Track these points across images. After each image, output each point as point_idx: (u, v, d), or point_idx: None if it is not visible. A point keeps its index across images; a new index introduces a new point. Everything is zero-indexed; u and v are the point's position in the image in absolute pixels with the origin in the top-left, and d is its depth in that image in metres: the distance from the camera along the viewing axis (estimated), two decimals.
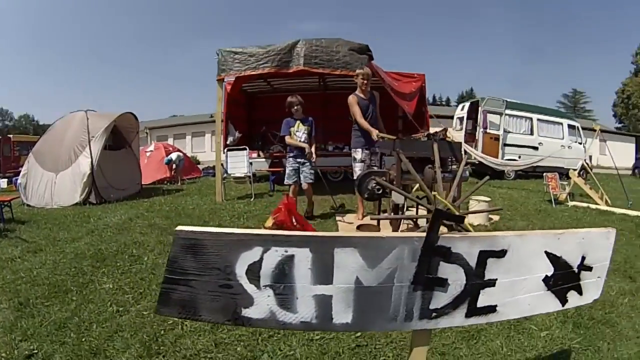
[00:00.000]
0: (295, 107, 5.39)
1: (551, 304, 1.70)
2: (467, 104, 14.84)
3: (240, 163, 8.37)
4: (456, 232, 1.40)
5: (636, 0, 74.64)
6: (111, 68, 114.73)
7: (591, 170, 9.92)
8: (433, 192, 2.24)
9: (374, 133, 4.97)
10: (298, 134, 5.41)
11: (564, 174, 10.10)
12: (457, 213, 1.37)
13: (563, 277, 1.67)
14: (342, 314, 1.27)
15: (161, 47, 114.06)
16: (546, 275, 1.63)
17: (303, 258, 1.18)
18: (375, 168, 5.30)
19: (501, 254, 1.49)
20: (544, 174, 8.27)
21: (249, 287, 1.18)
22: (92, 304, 2.74)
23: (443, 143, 4.04)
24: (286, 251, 1.17)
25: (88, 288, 3.04)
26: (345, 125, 11.01)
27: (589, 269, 1.72)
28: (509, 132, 13.39)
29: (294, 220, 3.53)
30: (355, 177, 5.30)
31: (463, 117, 14.55)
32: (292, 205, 3.55)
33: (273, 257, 1.17)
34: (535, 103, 14.50)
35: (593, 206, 7.49)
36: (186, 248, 1.16)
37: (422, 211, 4.71)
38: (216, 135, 7.88)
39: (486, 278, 1.49)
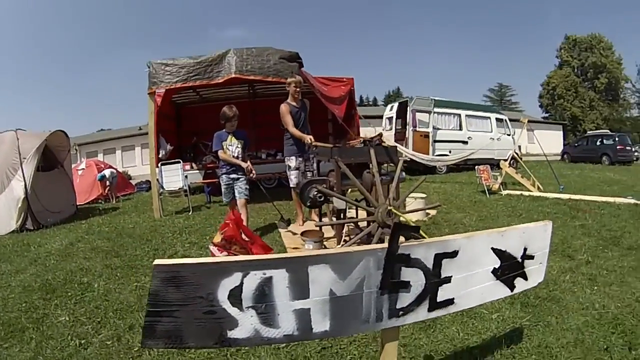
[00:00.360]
0: (233, 121, 4.97)
1: (501, 291, 1.93)
2: (395, 105, 15.29)
3: (175, 177, 8.19)
4: (413, 240, 1.53)
5: None
6: (32, 82, 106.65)
7: (521, 159, 10.66)
8: (390, 206, 2.34)
9: (307, 138, 5.08)
10: (231, 148, 4.98)
11: (494, 165, 10.81)
12: (412, 224, 1.51)
13: (509, 267, 1.90)
14: (321, 323, 1.38)
15: (83, 58, 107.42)
16: (494, 268, 1.85)
17: (280, 278, 1.28)
18: (310, 174, 5.50)
19: (453, 254, 1.68)
20: (476, 166, 8.75)
21: (233, 311, 1.26)
22: (53, 340, 2.62)
23: (379, 148, 4.22)
24: (264, 274, 1.26)
25: (44, 323, 2.90)
26: (276, 132, 10.95)
27: (531, 257, 1.98)
28: (439, 128, 13.95)
29: (243, 234, 3.56)
30: (291, 185, 5.49)
31: (392, 117, 14.97)
32: (239, 219, 3.58)
33: (252, 280, 1.26)
34: (462, 98, 15.39)
35: (526, 193, 8.01)
36: (167, 281, 1.21)
37: (363, 213, 4.96)
38: (150, 150, 7.66)
39: (442, 276, 1.68)
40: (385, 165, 4.39)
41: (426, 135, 13.46)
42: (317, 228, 4.50)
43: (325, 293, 1.35)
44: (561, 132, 31.49)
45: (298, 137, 5.23)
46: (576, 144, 23.90)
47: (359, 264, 1.39)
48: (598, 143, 20.97)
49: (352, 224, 4.69)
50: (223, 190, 5.06)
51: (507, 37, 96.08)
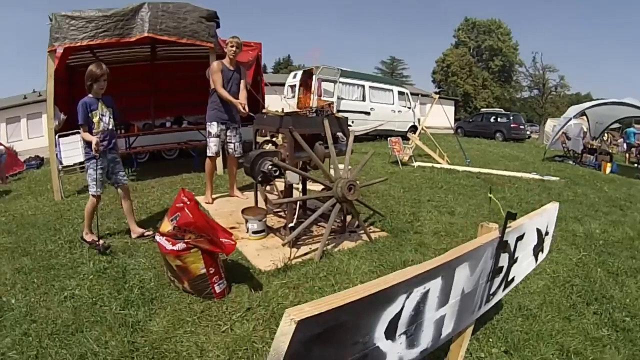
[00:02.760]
0: (102, 82, 3.88)
1: (532, 265, 2.16)
2: (299, 72, 15.21)
3: (75, 150, 7.16)
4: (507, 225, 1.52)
5: None
6: None
7: (425, 131, 11.33)
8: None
9: (238, 104, 4.77)
10: (104, 119, 3.93)
11: (397, 136, 11.40)
12: (510, 210, 1.52)
13: (539, 244, 2.09)
14: (448, 327, 1.34)
15: None
16: (534, 245, 1.98)
17: (435, 289, 1.16)
18: (231, 147, 5.19)
19: (522, 237, 1.76)
20: (388, 138, 9.17)
21: (386, 345, 1.03)
22: None
23: (332, 118, 4.12)
24: (425, 288, 1.11)
25: None
26: (179, 98, 9.93)
27: (548, 233, 2.21)
28: (343, 99, 14.19)
29: (204, 219, 3.02)
30: (209, 153, 5.11)
31: (295, 84, 14.90)
32: (194, 201, 2.97)
33: (413, 300, 1.08)
34: (352, 69, 15.64)
35: (437, 165, 8.64)
36: (315, 338, 0.82)
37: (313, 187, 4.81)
38: (48, 120, 6.56)
39: (514, 257, 1.74)
40: None
41: (330, 105, 13.57)
42: (256, 205, 4.27)
43: (458, 293, 1.31)
44: (453, 107, 34.08)
45: (226, 100, 4.86)
46: (470, 120, 26.03)
47: (483, 255, 1.35)
48: (492, 120, 23.08)
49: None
50: (97, 176, 3.88)
51: (403, 13, 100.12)
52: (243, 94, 5.00)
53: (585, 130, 13.89)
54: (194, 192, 5.50)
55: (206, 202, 5.13)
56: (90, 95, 3.90)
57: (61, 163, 6.91)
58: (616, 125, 16.08)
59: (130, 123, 9.15)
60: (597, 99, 16.34)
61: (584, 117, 13.81)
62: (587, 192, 7.03)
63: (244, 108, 4.73)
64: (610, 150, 14.04)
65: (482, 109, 31.65)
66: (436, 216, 4.70)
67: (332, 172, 3.73)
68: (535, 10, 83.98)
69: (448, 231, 4.18)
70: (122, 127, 8.49)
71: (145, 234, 4.03)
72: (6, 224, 4.94)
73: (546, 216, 2.09)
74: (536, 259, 2.11)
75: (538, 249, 2.06)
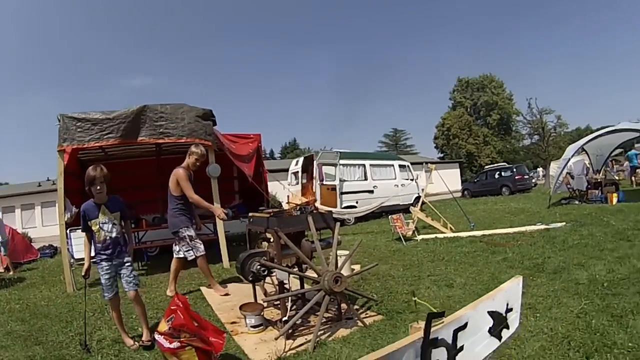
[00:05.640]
0: (99, 185, 3.70)
1: (493, 345, 2.19)
2: (300, 159, 15.79)
3: None
4: (438, 322, 1.64)
5: (449, 44, 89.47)
6: None
7: (426, 202, 11.45)
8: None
9: (220, 211, 5.19)
10: (105, 227, 3.76)
11: (402, 210, 11.51)
12: (437, 310, 1.65)
13: (498, 324, 2.15)
14: None
15: None
16: (489, 327, 2.06)
17: None
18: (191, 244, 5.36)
19: (465, 326, 1.86)
20: (390, 216, 9.19)
21: None
22: None
23: (316, 214, 4.36)
24: None
25: None
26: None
27: (511, 310, 2.26)
28: (345, 180, 14.52)
29: (194, 321, 3.36)
30: (199, 253, 5.30)
31: (298, 171, 15.42)
32: (187, 304, 3.36)
33: None
34: (358, 145, 16.62)
35: (440, 235, 8.61)
36: None
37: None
38: (59, 215, 6.95)
39: (458, 347, 1.82)
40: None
41: (333, 188, 13.95)
42: (254, 300, 4.43)
43: None
44: (458, 170, 34.34)
45: (203, 207, 5.21)
46: (475, 180, 26.22)
47: (405, 357, 1.46)
48: (497, 176, 23.32)
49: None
50: (103, 282, 3.85)
51: (399, 85, 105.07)
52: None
53: (587, 165, 13.88)
54: (201, 286, 5.92)
55: (221, 294, 5.32)
56: (92, 200, 3.79)
57: (73, 257, 7.13)
58: (618, 150, 15.97)
59: (140, 217, 9.54)
60: (597, 129, 16.41)
61: (584, 153, 13.76)
62: (593, 231, 7.01)
63: (223, 214, 5.16)
64: (617, 178, 13.86)
65: (486, 167, 31.86)
66: (435, 291, 4.71)
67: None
68: (524, 57, 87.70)
69: (445, 305, 4.18)
70: (132, 221, 8.73)
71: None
72: (20, 312, 5.39)
73: (503, 295, 2.18)
74: (499, 337, 2.16)
75: (498, 328, 2.13)
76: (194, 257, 5.31)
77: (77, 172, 8.95)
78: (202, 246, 5.35)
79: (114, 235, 3.79)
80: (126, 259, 3.91)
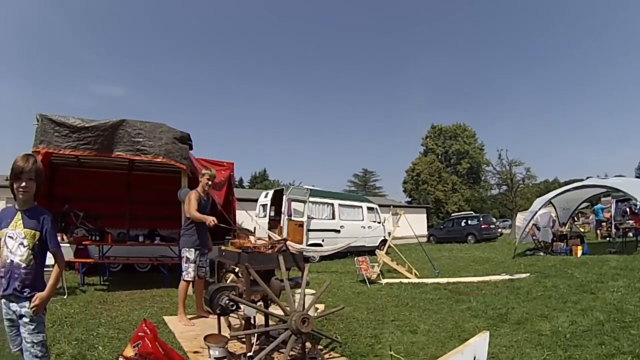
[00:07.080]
0: (24, 183, 2.49)
1: None
2: (270, 192, 15.83)
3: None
4: None
5: (419, 90, 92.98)
6: None
7: (392, 246, 11.49)
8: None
9: (210, 219, 5.14)
10: (9, 245, 2.44)
11: (367, 252, 11.52)
12: None
13: None
14: None
15: None
16: None
17: None
18: (202, 271, 5.52)
19: None
20: (355, 258, 9.13)
21: None
22: None
23: (286, 254, 4.36)
24: None
25: None
26: (154, 210, 10.14)
27: None
28: (313, 218, 14.52)
29: (160, 349, 3.24)
30: (187, 278, 5.32)
31: (267, 204, 15.38)
32: (154, 332, 3.26)
33: None
34: (327, 182, 16.78)
35: (405, 280, 8.57)
36: None
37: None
38: None
39: None
40: None
41: (301, 225, 13.93)
42: (219, 332, 4.35)
43: None
44: (425, 215, 34.78)
45: (199, 220, 5.21)
46: (442, 226, 26.79)
47: None
48: (463, 224, 23.83)
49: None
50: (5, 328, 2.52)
51: (372, 127, 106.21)
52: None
53: (554, 218, 14.25)
54: (163, 309, 5.72)
55: (185, 324, 5.11)
56: (15, 205, 2.58)
57: None
58: (585, 204, 16.58)
59: (105, 230, 9.25)
60: (565, 182, 17.11)
61: (551, 205, 14.14)
62: (557, 282, 7.13)
63: (213, 222, 5.12)
64: (582, 230, 14.29)
65: (453, 214, 32.53)
66: (398, 336, 4.60)
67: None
68: (497, 108, 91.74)
69: (409, 351, 4.08)
70: (97, 234, 8.67)
71: None
72: None
73: (471, 350, 2.18)
74: None
75: None
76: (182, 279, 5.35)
77: (47, 176, 8.60)
78: (193, 272, 5.33)
79: (15, 260, 2.43)
80: (24, 310, 2.41)
